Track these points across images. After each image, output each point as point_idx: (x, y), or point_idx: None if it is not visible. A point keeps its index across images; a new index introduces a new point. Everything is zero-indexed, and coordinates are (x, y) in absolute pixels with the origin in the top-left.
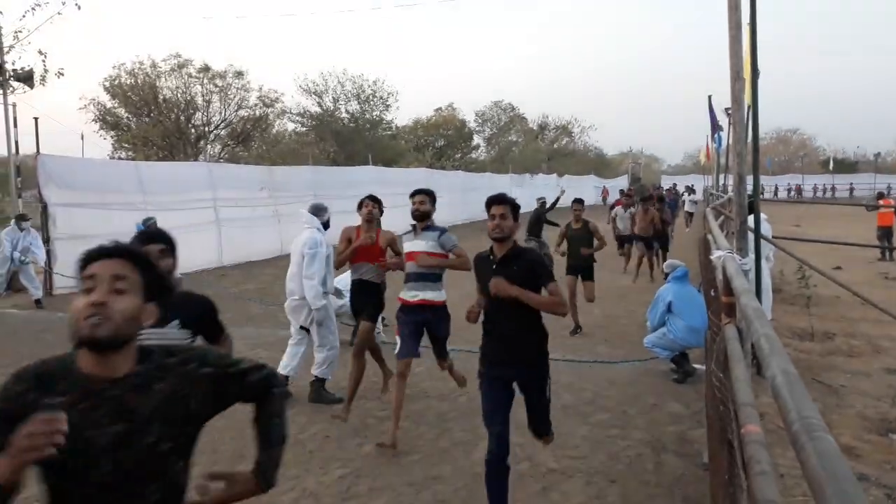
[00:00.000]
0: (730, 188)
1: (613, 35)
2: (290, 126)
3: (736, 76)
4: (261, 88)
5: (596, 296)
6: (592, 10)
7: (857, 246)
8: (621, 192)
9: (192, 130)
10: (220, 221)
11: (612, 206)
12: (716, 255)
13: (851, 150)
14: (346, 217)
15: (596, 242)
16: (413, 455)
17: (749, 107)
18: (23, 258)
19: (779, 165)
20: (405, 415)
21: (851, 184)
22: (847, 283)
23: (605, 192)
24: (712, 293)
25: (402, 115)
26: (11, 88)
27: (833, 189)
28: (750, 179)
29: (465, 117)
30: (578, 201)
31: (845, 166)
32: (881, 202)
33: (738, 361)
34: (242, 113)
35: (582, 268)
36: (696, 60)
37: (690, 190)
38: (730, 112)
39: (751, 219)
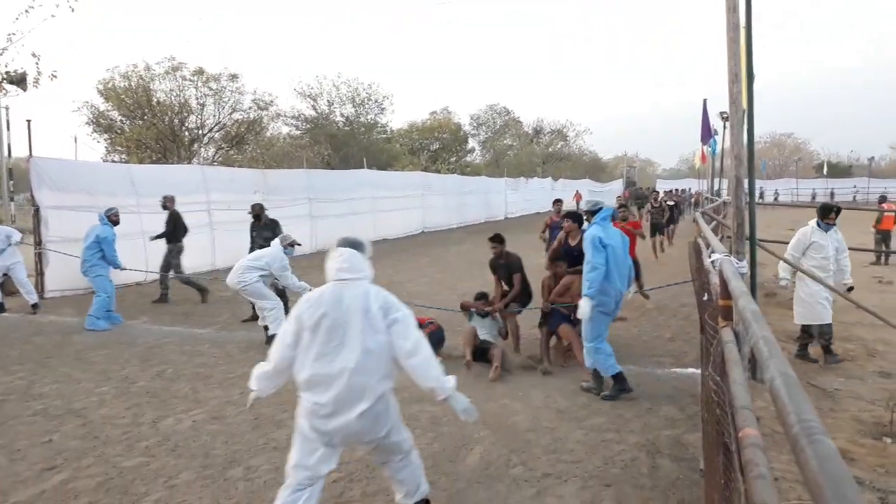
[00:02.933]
0: (724, 192)
1: (609, 39)
2: (285, 129)
3: (734, 78)
4: (255, 91)
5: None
6: (587, 14)
7: (853, 250)
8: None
9: (186, 133)
10: (213, 224)
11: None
12: (712, 258)
13: (845, 154)
14: (340, 221)
15: None
16: None
17: (744, 111)
18: None
19: (773, 169)
20: None
21: (856, 186)
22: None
23: (577, 197)
24: (705, 297)
25: (397, 118)
26: (4, 91)
27: (832, 195)
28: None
29: (460, 121)
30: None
31: (839, 170)
32: (884, 206)
33: (735, 365)
34: (236, 116)
35: None
36: (692, 63)
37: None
38: (726, 116)
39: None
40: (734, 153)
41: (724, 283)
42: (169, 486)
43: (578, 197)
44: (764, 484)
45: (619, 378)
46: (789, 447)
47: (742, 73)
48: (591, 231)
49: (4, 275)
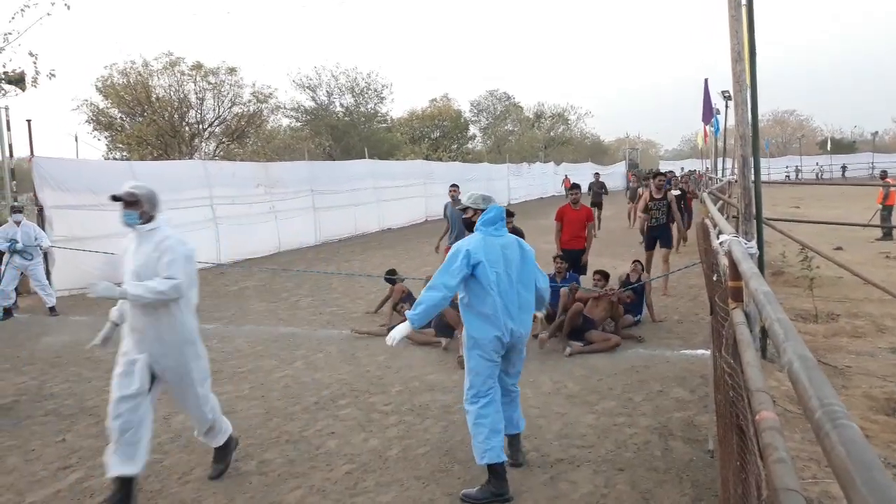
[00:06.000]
0: (728, 172)
1: (608, 20)
2: (285, 122)
3: (737, 57)
4: (254, 84)
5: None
6: None
7: (857, 226)
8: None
9: (187, 128)
10: (216, 219)
11: None
12: (720, 239)
13: (848, 129)
14: (343, 211)
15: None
16: (420, 448)
17: (748, 88)
18: (25, 253)
19: (776, 147)
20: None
21: (883, 165)
22: (848, 264)
23: (566, 183)
24: (715, 278)
25: (397, 107)
26: (3, 91)
27: (844, 169)
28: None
29: (460, 107)
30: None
31: (843, 146)
32: (889, 181)
33: (747, 346)
34: (236, 110)
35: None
36: (692, 43)
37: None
38: (727, 95)
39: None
40: (739, 132)
41: (733, 265)
42: (183, 482)
43: (567, 183)
44: (785, 468)
45: (495, 471)
46: (812, 431)
47: (745, 52)
48: (465, 241)
49: (22, 274)
